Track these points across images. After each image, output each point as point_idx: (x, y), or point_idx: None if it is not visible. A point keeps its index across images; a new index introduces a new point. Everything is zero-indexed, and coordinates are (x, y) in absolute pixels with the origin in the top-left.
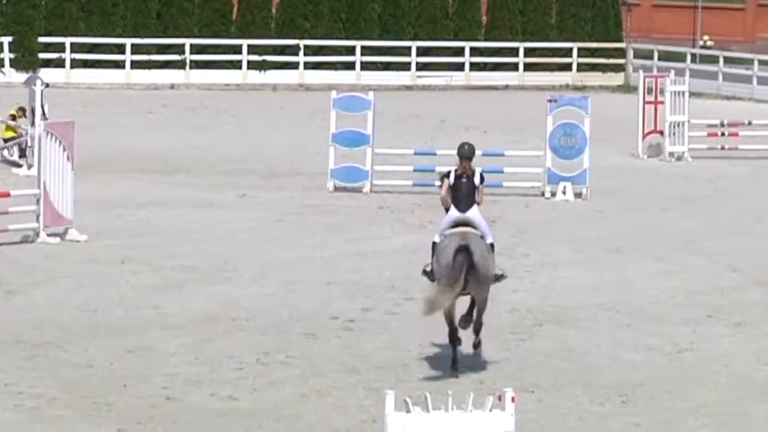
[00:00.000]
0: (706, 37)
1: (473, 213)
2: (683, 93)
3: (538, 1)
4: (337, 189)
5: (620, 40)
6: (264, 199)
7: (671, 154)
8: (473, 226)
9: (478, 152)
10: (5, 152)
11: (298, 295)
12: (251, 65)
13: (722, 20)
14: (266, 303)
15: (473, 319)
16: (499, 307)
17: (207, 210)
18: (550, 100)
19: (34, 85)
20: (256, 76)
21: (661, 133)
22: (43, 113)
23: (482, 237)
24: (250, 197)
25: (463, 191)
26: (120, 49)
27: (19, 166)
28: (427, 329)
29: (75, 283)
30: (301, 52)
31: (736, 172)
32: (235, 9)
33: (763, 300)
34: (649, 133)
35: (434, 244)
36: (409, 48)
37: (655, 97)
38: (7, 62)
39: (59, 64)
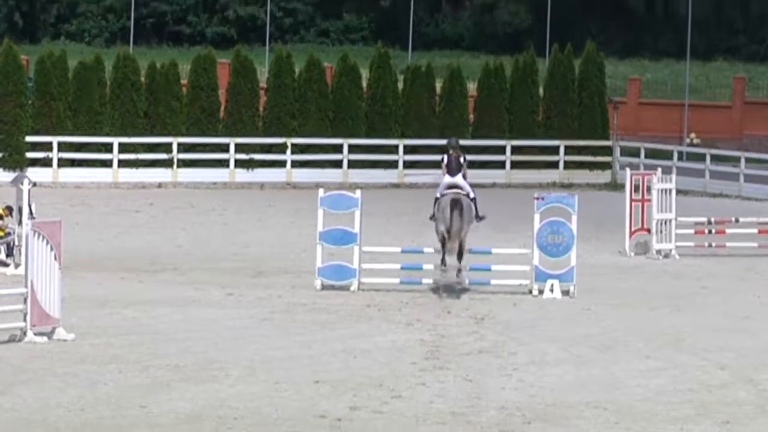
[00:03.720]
0: (693, 135)
1: (459, 178)
2: (670, 191)
3: (525, 99)
4: (324, 287)
5: (607, 138)
6: (251, 297)
7: (658, 251)
8: (460, 186)
9: (465, 249)
10: None
11: (286, 393)
12: (239, 163)
13: (709, 117)
14: (253, 402)
15: (458, 249)
16: (487, 405)
17: (194, 308)
18: (537, 198)
19: (22, 184)
20: (243, 175)
21: (649, 230)
22: (31, 212)
23: (467, 195)
24: (237, 295)
25: (453, 165)
26: (107, 148)
27: (6, 265)
28: (415, 429)
29: (62, 383)
30: (289, 151)
31: (724, 270)
32: (222, 107)
33: (751, 398)
34: (636, 230)
35: (436, 198)
36: (396, 146)
37: (642, 195)
38: None
39: (46, 163)
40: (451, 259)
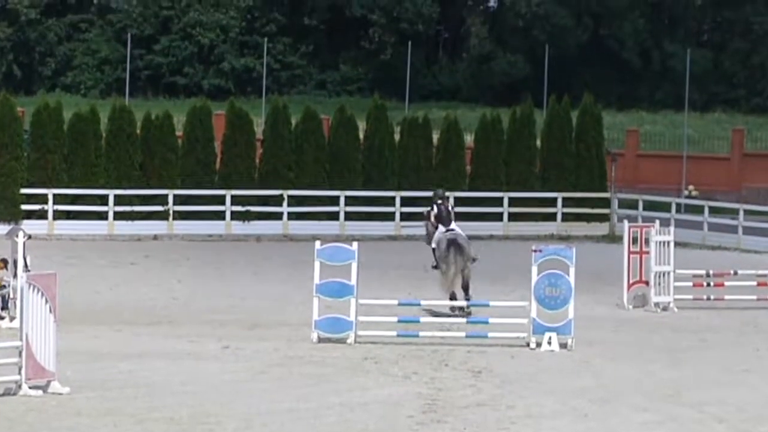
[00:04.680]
0: (691, 187)
1: (454, 226)
2: (668, 243)
3: (522, 151)
4: (321, 340)
5: (605, 190)
6: (247, 350)
7: (657, 304)
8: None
9: (462, 303)
10: None
11: None
12: (235, 215)
13: (708, 169)
14: None
15: (463, 284)
16: None
17: (190, 361)
18: (534, 250)
19: (17, 236)
20: (239, 227)
21: (647, 283)
22: (26, 265)
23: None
24: (234, 348)
25: (444, 215)
26: (103, 200)
27: (1, 318)
28: None
29: None
30: (285, 203)
31: (723, 323)
32: (218, 159)
33: None
34: (634, 283)
35: (434, 249)
36: (393, 198)
37: (641, 247)
38: None
39: (42, 215)
40: (459, 293)
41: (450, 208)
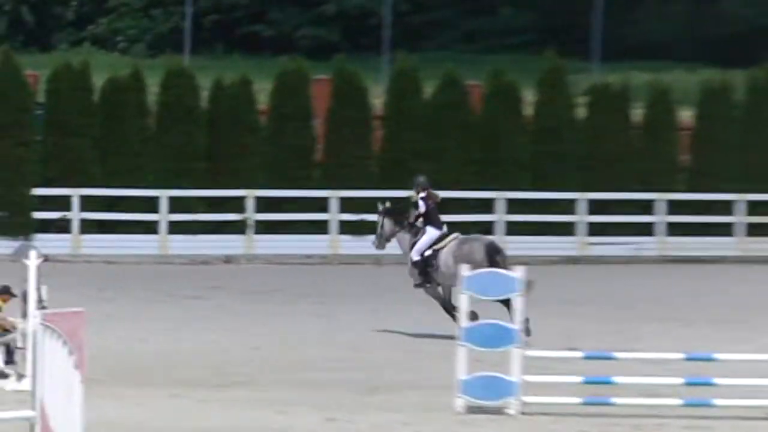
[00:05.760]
0: None
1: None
2: None
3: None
4: (470, 409)
5: None
6: (363, 425)
7: None
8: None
9: (678, 355)
10: None
11: None
12: (344, 228)
13: None
14: None
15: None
16: None
17: None
18: None
19: (26, 258)
20: (351, 244)
21: None
22: (40, 299)
23: None
24: (344, 422)
25: (433, 213)
26: (151, 205)
27: (6, 376)
28: None
29: None
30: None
31: None
32: (319, 146)
33: None
34: None
35: (418, 260)
36: (573, 202)
37: None
38: None
39: (63, 227)
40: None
41: (438, 201)
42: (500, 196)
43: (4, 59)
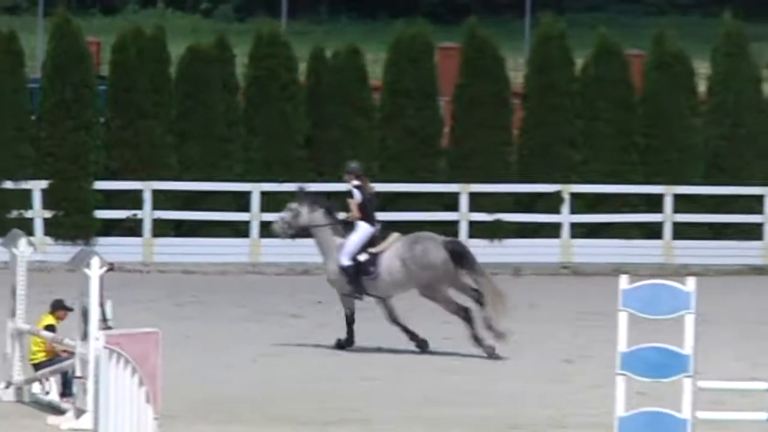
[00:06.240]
0: None
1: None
2: None
3: None
4: None
5: None
6: None
7: None
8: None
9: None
10: (36, 387)
11: None
12: (476, 230)
13: None
14: None
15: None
16: None
17: None
18: None
19: (86, 266)
20: (486, 249)
21: None
22: (103, 317)
23: None
24: None
25: (369, 208)
26: (240, 202)
27: (62, 411)
28: None
29: None
30: (566, 206)
31: None
32: (445, 129)
33: None
34: None
35: (362, 263)
36: (762, 198)
37: None
38: (39, 227)
39: (132, 228)
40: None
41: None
42: (667, 191)
43: (61, 24)
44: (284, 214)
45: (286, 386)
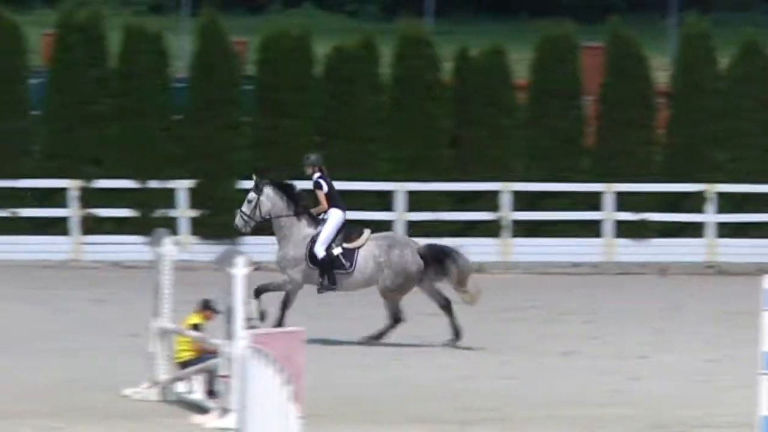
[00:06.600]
0: None
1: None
2: None
3: None
4: None
5: None
6: None
7: None
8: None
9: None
10: (181, 386)
11: None
12: (622, 229)
13: None
14: None
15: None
16: None
17: None
18: None
19: (232, 265)
20: (629, 249)
21: None
22: (250, 316)
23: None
24: None
25: (337, 196)
26: (383, 202)
27: (206, 410)
28: None
29: None
30: (711, 205)
31: None
32: (588, 129)
33: None
34: None
35: (336, 257)
36: None
37: None
38: (184, 226)
39: None
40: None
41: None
42: None
43: (208, 23)
44: (244, 207)
45: (423, 386)
